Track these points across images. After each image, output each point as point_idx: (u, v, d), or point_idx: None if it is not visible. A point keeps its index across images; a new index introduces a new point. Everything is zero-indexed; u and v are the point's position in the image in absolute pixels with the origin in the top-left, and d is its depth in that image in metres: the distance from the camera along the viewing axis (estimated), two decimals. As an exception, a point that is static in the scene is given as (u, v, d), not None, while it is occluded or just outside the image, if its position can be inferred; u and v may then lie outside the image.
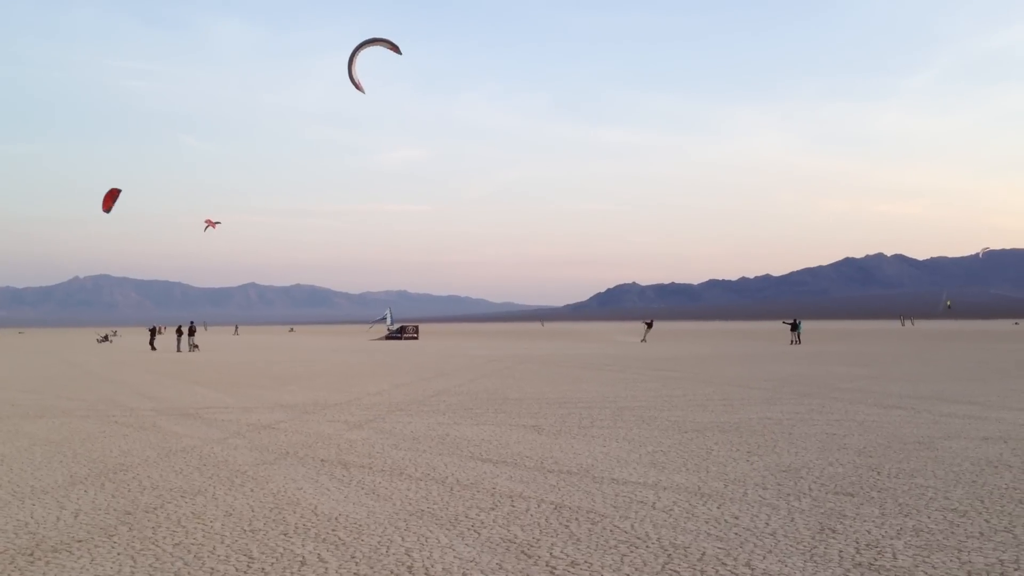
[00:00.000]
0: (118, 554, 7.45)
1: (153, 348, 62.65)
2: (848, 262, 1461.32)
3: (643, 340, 70.49)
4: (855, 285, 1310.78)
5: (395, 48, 28.96)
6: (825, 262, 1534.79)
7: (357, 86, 29.73)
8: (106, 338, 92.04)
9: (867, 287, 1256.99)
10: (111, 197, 30.06)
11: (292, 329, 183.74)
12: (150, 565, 7.11)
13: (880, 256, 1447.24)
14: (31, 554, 7.47)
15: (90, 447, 13.85)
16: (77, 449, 13.63)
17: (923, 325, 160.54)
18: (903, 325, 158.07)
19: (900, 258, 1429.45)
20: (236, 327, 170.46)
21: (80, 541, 7.89)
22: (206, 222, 49.97)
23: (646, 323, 77.47)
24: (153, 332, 67.87)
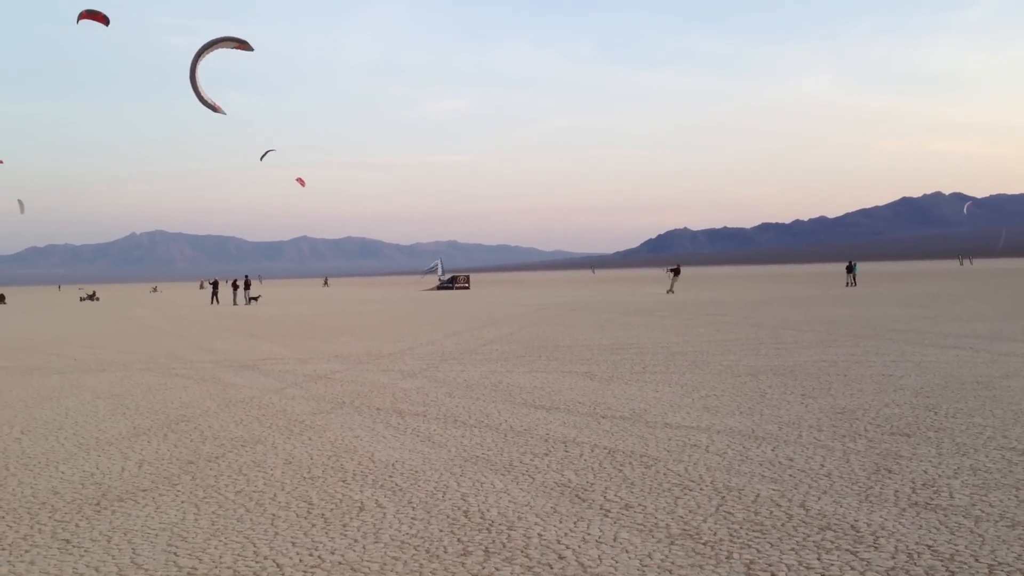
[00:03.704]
0: (182, 502, 7.63)
1: (215, 302, 62.01)
2: (905, 202, 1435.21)
3: (670, 291, 56.48)
4: (912, 225, 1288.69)
5: (244, 45, 24.45)
6: (881, 202, 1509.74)
7: (213, 107, 24.82)
8: (92, 296, 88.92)
9: (925, 227, 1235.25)
10: (94, 17, 27.11)
11: (327, 283, 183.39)
12: (213, 512, 7.28)
13: (938, 195, 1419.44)
14: (98, 503, 7.68)
15: (152, 399, 14.15)
16: (139, 401, 13.93)
17: (982, 264, 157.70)
18: (961, 265, 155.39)
19: (959, 196, 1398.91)
20: (326, 279, 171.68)
21: (145, 490, 8.09)
22: (299, 181, 51.94)
23: (671, 270, 61.39)
24: (215, 285, 65.75)
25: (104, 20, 25.13)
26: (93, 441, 10.65)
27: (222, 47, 24.46)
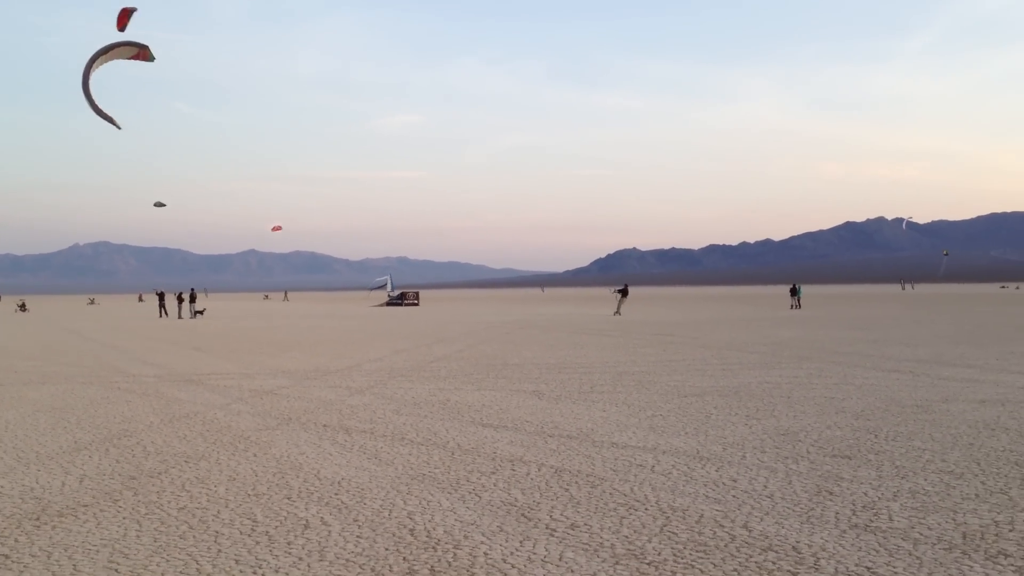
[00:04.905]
0: (123, 518, 7.53)
1: (163, 314, 61.62)
2: (849, 226, 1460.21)
3: (616, 313, 54.40)
4: (856, 249, 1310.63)
5: (144, 53, 22.50)
6: (826, 226, 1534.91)
7: (109, 120, 22.84)
8: (23, 307, 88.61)
9: (868, 251, 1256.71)
10: (124, 16, 25.69)
11: (268, 296, 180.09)
12: (155, 529, 7.20)
13: (881, 220, 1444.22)
14: (37, 519, 7.56)
15: (93, 413, 13.94)
16: (81, 415, 13.72)
17: (923, 289, 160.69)
18: (903, 289, 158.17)
19: (901, 222, 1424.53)
20: (285, 293, 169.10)
21: (85, 506, 7.97)
22: (274, 228, 52.71)
23: (618, 291, 57.99)
24: (161, 297, 64.85)
25: (122, 26, 24.39)
26: (33, 455, 10.47)
27: (118, 55, 22.50)
